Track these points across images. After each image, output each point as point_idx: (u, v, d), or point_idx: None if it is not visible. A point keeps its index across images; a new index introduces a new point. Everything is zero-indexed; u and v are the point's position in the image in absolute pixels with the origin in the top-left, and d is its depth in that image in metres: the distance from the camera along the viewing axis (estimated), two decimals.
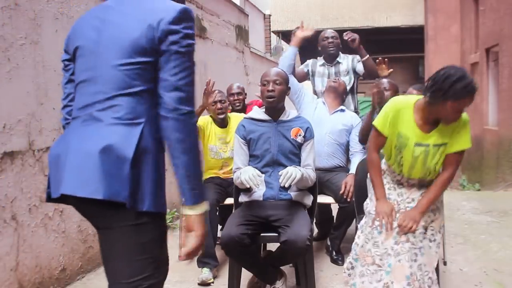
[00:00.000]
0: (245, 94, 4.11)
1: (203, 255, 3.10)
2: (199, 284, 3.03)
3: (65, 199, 1.36)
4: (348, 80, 3.85)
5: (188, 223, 1.37)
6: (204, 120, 3.47)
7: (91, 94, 1.39)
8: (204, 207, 1.37)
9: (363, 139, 3.31)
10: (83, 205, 1.37)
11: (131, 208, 1.29)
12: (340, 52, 3.95)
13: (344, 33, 3.75)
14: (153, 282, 1.36)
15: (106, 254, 1.40)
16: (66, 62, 1.58)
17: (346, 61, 3.91)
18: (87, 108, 1.38)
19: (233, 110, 3.83)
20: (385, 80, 3.33)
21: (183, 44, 1.36)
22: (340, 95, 3.55)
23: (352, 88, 3.88)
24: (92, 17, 1.47)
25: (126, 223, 1.32)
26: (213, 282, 3.06)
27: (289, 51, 3.58)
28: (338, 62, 3.90)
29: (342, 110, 3.50)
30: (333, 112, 3.49)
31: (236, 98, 3.90)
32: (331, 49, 3.86)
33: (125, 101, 1.34)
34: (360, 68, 3.84)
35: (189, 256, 1.40)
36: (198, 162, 1.36)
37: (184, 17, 1.37)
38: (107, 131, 1.32)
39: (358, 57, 3.85)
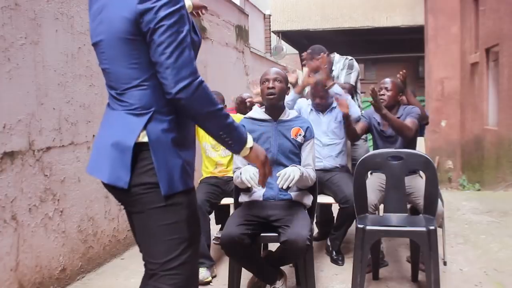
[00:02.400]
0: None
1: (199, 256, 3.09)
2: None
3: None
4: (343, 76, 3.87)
5: (247, 160, 1.57)
6: None
7: (109, 86, 1.49)
8: (246, 149, 1.51)
9: (350, 139, 3.40)
10: (108, 188, 1.47)
11: (168, 192, 1.37)
12: (335, 53, 3.93)
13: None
14: (182, 261, 1.43)
15: (138, 236, 1.51)
16: None
17: (338, 64, 3.89)
18: (109, 97, 1.49)
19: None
20: (387, 80, 3.32)
21: (159, 18, 1.31)
22: (322, 92, 3.46)
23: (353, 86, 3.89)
24: (92, 16, 1.53)
25: (147, 206, 1.40)
26: (211, 281, 3.06)
27: (290, 97, 3.48)
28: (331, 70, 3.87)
29: (334, 108, 3.50)
30: (326, 113, 3.49)
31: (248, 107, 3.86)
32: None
33: (131, 94, 1.40)
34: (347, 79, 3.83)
35: (265, 179, 1.65)
36: (223, 120, 1.42)
37: None
38: (120, 121, 1.41)
39: (349, 58, 3.84)
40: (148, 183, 1.38)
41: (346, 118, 3.24)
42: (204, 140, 3.48)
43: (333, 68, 3.88)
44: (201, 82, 1.36)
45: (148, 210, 1.40)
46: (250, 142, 1.52)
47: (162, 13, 1.31)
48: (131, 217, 1.53)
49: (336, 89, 3.44)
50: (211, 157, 3.49)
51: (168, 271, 1.42)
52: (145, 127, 1.38)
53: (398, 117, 3.25)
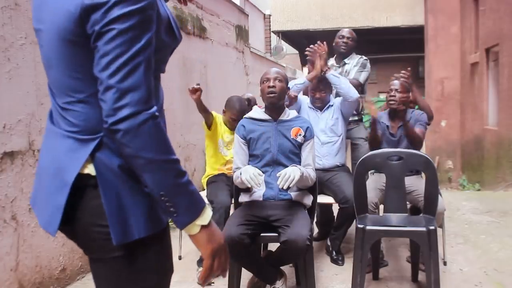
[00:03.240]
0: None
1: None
2: (198, 283, 3.04)
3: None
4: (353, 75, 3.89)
5: (193, 241, 1.11)
6: (216, 115, 3.53)
7: (50, 88, 1.16)
8: (197, 223, 1.08)
9: (371, 145, 3.37)
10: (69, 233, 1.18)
11: (122, 241, 1.05)
12: (353, 53, 3.96)
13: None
14: None
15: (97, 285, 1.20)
16: None
17: (352, 60, 3.92)
18: (52, 104, 1.16)
19: None
20: (396, 82, 3.33)
21: (109, 19, 0.97)
22: (323, 86, 3.47)
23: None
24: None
25: (107, 254, 1.09)
26: (213, 282, 3.06)
27: (301, 81, 3.52)
28: (345, 63, 3.93)
29: (331, 106, 3.51)
30: (324, 110, 3.49)
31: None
32: (343, 48, 3.89)
33: (77, 112, 1.07)
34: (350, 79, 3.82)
35: (205, 280, 1.15)
36: (169, 177, 1.03)
37: None
38: (60, 145, 1.09)
39: (364, 58, 3.87)
40: (105, 225, 1.05)
41: (373, 123, 3.28)
42: (220, 137, 3.50)
43: (347, 62, 3.91)
44: (153, 116, 1.00)
45: (106, 258, 1.10)
46: (204, 218, 1.08)
47: (115, 13, 0.97)
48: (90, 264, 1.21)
49: (331, 77, 3.42)
50: (223, 154, 3.51)
51: None
52: (92, 156, 1.05)
53: (408, 121, 3.28)
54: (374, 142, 3.32)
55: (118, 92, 0.98)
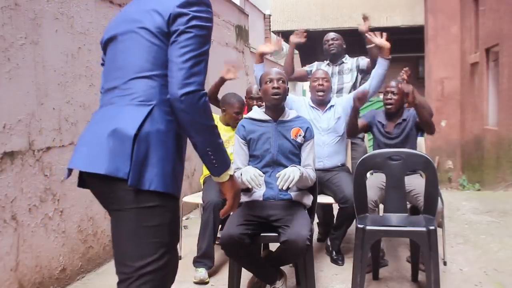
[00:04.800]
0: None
1: (202, 255, 3.11)
2: (195, 283, 3.05)
3: (83, 182, 1.49)
4: (350, 78, 3.97)
5: (220, 187, 1.52)
6: (215, 115, 3.52)
7: (106, 88, 1.49)
8: (227, 174, 1.47)
9: (348, 133, 3.44)
10: (95, 183, 1.43)
11: (135, 185, 1.31)
12: (346, 54, 4.06)
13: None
14: (158, 267, 1.37)
15: (115, 236, 1.43)
16: (103, 55, 1.67)
17: (351, 61, 4.02)
18: (108, 93, 1.47)
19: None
20: (393, 83, 3.33)
21: (191, 25, 1.38)
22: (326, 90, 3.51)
23: (354, 85, 3.93)
24: (120, 13, 1.60)
25: (134, 205, 1.34)
26: (208, 281, 3.07)
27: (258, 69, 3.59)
28: (343, 62, 4.01)
29: (332, 105, 3.51)
30: (325, 111, 3.49)
31: (256, 103, 3.79)
32: (332, 50, 4.01)
33: (138, 84, 1.40)
34: (363, 63, 3.94)
35: (226, 211, 1.57)
36: (214, 138, 1.41)
37: (194, 1, 1.41)
38: (118, 112, 1.39)
39: (363, 56, 3.96)
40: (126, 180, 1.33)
41: (354, 110, 3.30)
42: None
43: (345, 61, 4.01)
44: (206, 96, 1.39)
45: (133, 209, 1.35)
46: (231, 170, 1.50)
47: (195, 22, 1.38)
48: (110, 215, 1.47)
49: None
50: None
51: (142, 276, 1.36)
52: (145, 119, 1.35)
53: (404, 119, 3.29)
54: (352, 129, 3.36)
55: (188, 73, 1.35)
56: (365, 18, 3.82)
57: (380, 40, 3.41)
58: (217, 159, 1.43)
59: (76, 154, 1.43)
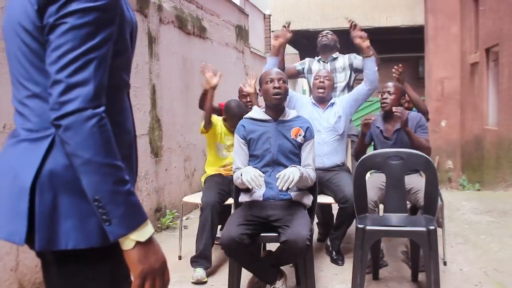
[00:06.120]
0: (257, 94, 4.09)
1: (198, 255, 3.11)
2: (193, 283, 3.05)
3: None
4: (343, 77, 3.97)
5: (125, 259, 0.99)
6: (216, 118, 3.52)
7: (13, 98, 1.13)
8: (131, 238, 0.96)
9: (356, 157, 3.34)
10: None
11: (47, 248, 0.98)
12: (337, 51, 4.07)
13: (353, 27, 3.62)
14: None
15: None
16: None
17: (343, 59, 4.02)
18: (15, 118, 1.13)
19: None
20: (390, 84, 3.33)
21: (64, 13, 0.93)
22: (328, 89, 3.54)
23: (348, 84, 3.94)
24: None
25: (51, 267, 1.04)
26: (206, 281, 3.07)
27: (268, 63, 3.51)
28: (334, 58, 4.01)
29: (333, 104, 3.51)
30: (325, 109, 3.49)
31: (248, 100, 3.78)
32: (324, 41, 4.04)
33: (31, 106, 1.04)
34: (356, 61, 3.94)
35: None
36: (106, 181, 0.94)
37: None
38: (15, 152, 1.04)
39: (355, 54, 3.94)
40: None
41: (362, 136, 3.34)
42: (220, 142, 3.51)
43: (335, 56, 4.03)
44: (99, 117, 0.94)
45: (49, 272, 1.06)
46: (142, 234, 0.98)
47: (71, 8, 0.93)
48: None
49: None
50: (220, 156, 3.52)
51: None
52: (45, 156, 0.99)
53: (408, 129, 3.26)
54: (360, 154, 3.28)
55: (65, 86, 0.93)
56: (352, 26, 3.66)
57: (358, 40, 3.47)
58: (109, 212, 0.94)
59: None
